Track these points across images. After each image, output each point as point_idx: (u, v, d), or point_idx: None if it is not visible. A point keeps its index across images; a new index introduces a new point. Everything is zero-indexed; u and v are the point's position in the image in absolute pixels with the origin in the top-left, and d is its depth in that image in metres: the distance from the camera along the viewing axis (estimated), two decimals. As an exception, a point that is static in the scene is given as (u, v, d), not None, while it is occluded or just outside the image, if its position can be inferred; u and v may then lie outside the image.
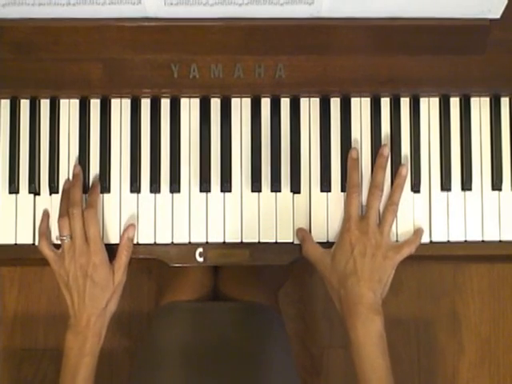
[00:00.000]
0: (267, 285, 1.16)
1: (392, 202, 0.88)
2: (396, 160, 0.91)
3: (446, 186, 0.90)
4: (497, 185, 0.91)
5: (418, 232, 0.89)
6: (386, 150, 0.89)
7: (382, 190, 0.88)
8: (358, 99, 0.91)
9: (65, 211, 0.87)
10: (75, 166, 0.90)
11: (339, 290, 0.85)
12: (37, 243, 0.88)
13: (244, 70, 0.87)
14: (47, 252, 0.87)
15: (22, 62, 0.87)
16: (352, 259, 0.84)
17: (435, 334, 1.61)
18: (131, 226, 0.89)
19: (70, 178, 0.90)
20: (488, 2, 0.81)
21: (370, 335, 0.82)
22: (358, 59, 0.87)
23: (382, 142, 0.91)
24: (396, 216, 0.88)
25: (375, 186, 0.88)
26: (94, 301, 0.86)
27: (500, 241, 0.91)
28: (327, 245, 0.89)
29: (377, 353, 0.82)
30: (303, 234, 0.89)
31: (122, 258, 0.88)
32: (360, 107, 0.92)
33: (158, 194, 0.90)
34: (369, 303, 0.83)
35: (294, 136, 0.91)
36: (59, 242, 0.87)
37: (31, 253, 0.90)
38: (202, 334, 1.01)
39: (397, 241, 0.89)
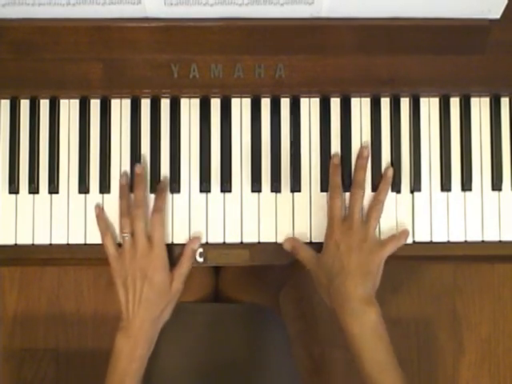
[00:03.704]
0: (268, 286, 1.16)
1: (378, 201, 0.88)
2: (396, 160, 0.91)
3: (445, 186, 0.90)
4: (497, 185, 0.91)
5: (402, 232, 0.89)
6: (366, 152, 0.90)
7: (364, 190, 0.88)
8: (358, 99, 0.91)
9: (125, 209, 0.87)
10: (137, 166, 0.89)
11: (329, 289, 0.85)
12: (101, 241, 0.87)
13: (244, 70, 0.87)
14: (111, 247, 0.86)
15: (21, 61, 0.87)
16: (338, 256, 0.84)
17: (435, 334, 1.61)
18: (196, 239, 0.89)
19: (72, 177, 0.90)
20: (488, 2, 0.81)
21: (364, 327, 0.81)
22: (358, 59, 0.87)
23: (382, 142, 0.91)
24: (381, 214, 0.88)
25: (356, 186, 0.88)
26: (150, 305, 0.84)
27: (500, 241, 0.91)
28: (327, 245, 0.89)
29: (375, 345, 0.81)
30: (292, 243, 0.89)
31: (183, 267, 0.87)
32: (360, 107, 0.92)
33: (158, 194, 0.90)
34: (359, 297, 0.82)
35: (294, 136, 0.91)
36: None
37: (31, 253, 0.90)
38: (202, 335, 1.01)
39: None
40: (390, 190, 0.90)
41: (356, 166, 0.90)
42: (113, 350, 0.84)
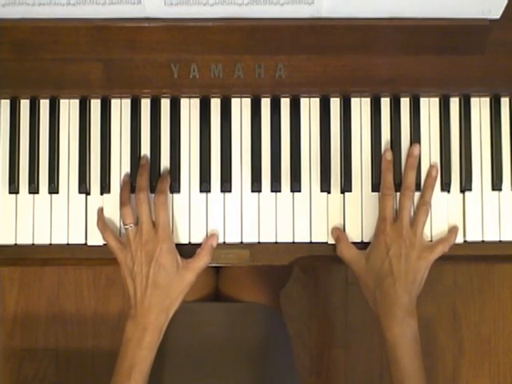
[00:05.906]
0: (268, 285, 1.16)
1: (424, 202, 0.88)
2: (396, 160, 0.90)
3: (445, 186, 0.90)
4: (497, 185, 0.91)
5: (452, 231, 0.89)
6: (417, 150, 0.89)
7: (414, 191, 0.88)
8: (358, 99, 0.91)
9: (126, 200, 0.87)
10: (143, 157, 0.90)
11: (374, 291, 0.85)
12: (102, 238, 0.88)
13: (244, 70, 0.87)
14: (113, 242, 0.86)
15: (21, 62, 0.86)
16: (387, 260, 0.84)
17: (435, 334, 1.61)
18: (215, 236, 0.88)
19: (72, 177, 0.90)
20: (488, 2, 0.81)
21: (405, 337, 0.82)
22: (357, 59, 0.87)
23: (382, 142, 0.91)
24: (427, 216, 0.88)
25: (406, 187, 0.88)
26: (159, 290, 0.83)
27: (500, 241, 0.91)
28: (327, 245, 0.89)
29: (411, 354, 0.82)
30: (338, 233, 0.89)
31: (201, 260, 0.87)
32: (360, 107, 0.92)
33: (158, 194, 0.90)
34: (405, 305, 0.83)
35: (294, 136, 0.91)
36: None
37: (31, 253, 0.90)
38: (203, 334, 1.01)
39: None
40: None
41: (406, 165, 0.89)
42: (122, 339, 0.83)
